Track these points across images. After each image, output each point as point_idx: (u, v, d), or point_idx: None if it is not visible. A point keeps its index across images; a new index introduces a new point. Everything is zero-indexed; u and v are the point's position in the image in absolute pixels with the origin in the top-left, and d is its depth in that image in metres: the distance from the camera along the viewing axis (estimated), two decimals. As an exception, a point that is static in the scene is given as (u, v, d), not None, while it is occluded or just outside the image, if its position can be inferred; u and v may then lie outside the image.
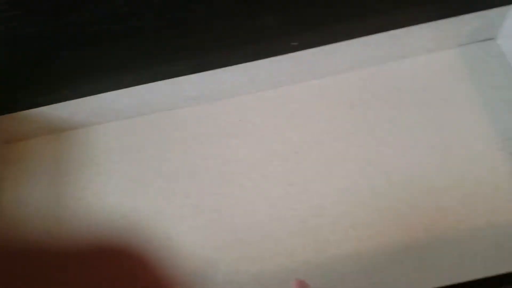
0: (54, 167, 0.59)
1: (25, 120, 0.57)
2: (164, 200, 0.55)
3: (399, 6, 0.50)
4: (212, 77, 0.55)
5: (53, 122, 0.59)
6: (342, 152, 0.54)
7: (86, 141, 0.60)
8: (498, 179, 0.50)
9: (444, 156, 0.52)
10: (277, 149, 0.56)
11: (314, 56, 0.56)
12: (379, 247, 0.49)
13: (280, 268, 0.49)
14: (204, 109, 0.60)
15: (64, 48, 0.45)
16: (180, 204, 0.54)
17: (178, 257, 0.51)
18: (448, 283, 0.45)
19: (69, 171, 0.58)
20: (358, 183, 0.52)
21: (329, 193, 0.52)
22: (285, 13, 0.46)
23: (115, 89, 0.51)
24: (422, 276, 0.46)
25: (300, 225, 0.51)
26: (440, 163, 0.52)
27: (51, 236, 0.54)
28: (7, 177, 0.59)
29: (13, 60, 0.46)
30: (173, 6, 0.43)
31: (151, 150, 0.58)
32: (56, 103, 0.52)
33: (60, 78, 0.49)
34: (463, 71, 0.57)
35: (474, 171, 0.51)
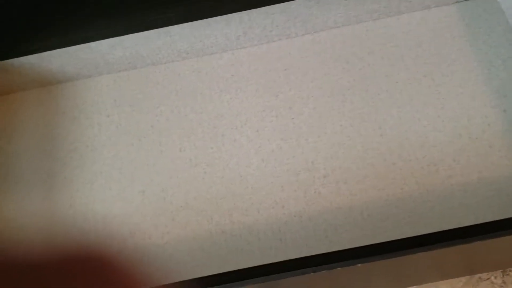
0: (45, 121, 0.58)
1: (14, 72, 0.56)
2: (158, 154, 0.55)
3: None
4: (204, 29, 0.54)
5: (43, 75, 0.58)
6: (336, 108, 0.54)
7: (77, 95, 0.59)
8: (491, 136, 0.50)
9: (438, 112, 0.52)
10: (271, 105, 0.56)
11: (309, 9, 0.55)
12: (370, 201, 0.49)
13: (272, 220, 0.49)
14: (197, 63, 0.59)
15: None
16: (173, 157, 0.54)
17: (172, 209, 0.51)
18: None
19: (60, 125, 0.57)
20: (351, 138, 0.52)
21: (322, 148, 0.52)
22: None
23: (104, 37, 0.50)
24: (412, 228, 0.47)
25: (292, 178, 0.51)
26: (434, 119, 0.52)
27: (44, 189, 0.54)
28: (-3, 129, 0.58)
29: None
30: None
31: (144, 104, 0.57)
32: (44, 51, 0.51)
33: (48, 23, 0.48)
34: (460, 28, 0.57)
35: (467, 128, 0.51)
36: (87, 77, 0.59)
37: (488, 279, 0.50)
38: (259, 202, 0.51)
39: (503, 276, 0.50)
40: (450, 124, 0.52)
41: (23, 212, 0.53)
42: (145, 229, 0.51)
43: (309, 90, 0.56)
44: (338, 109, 0.54)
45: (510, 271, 0.50)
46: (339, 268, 0.38)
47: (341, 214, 0.49)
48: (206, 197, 0.52)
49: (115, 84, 0.59)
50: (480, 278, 0.50)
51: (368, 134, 0.52)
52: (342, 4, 0.55)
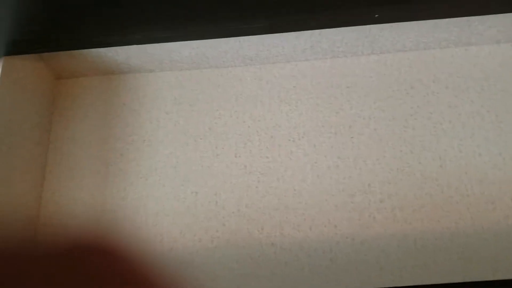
0: (104, 109, 0.58)
1: (79, 58, 0.57)
2: (213, 157, 0.55)
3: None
4: (275, 39, 0.54)
5: (107, 64, 0.58)
6: (398, 132, 0.54)
7: (139, 88, 0.59)
8: (552, 180, 0.50)
9: (500, 149, 0.52)
10: (330, 121, 0.56)
11: (380, 31, 0.55)
12: (424, 231, 0.49)
13: (323, 238, 0.50)
14: (260, 71, 0.59)
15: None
16: (228, 162, 0.54)
17: (223, 214, 0.52)
18: (491, 277, 0.46)
19: (120, 116, 0.58)
20: (410, 165, 0.52)
21: (380, 172, 0.52)
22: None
23: (183, 39, 0.51)
24: (465, 265, 0.47)
25: (347, 199, 0.51)
26: (495, 156, 0.52)
27: (99, 174, 0.55)
28: (56, 112, 0.59)
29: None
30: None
31: (203, 105, 0.58)
32: (121, 45, 0.51)
33: (128, 21, 0.48)
34: (528, 66, 0.56)
35: (529, 169, 0.50)
36: (149, 71, 0.60)
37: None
38: (311, 219, 0.51)
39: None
40: (511, 163, 0.51)
41: (74, 199, 0.54)
42: (195, 230, 0.51)
43: (371, 111, 0.55)
44: (400, 134, 0.54)
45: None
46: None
47: (394, 241, 0.49)
48: (258, 206, 0.52)
49: (176, 81, 0.59)
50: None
51: (428, 163, 0.52)
52: (414, 29, 0.54)
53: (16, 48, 0.51)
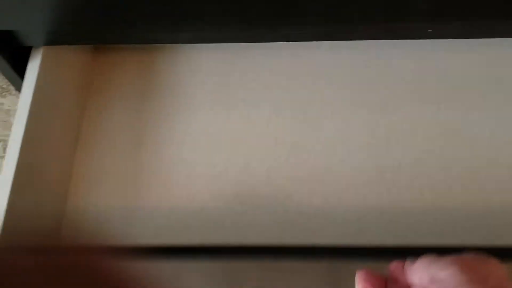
0: (141, 81, 0.59)
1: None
2: (245, 127, 0.56)
3: None
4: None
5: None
6: (431, 116, 0.55)
7: (175, 59, 0.60)
8: None
9: None
10: (364, 99, 0.56)
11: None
12: (452, 212, 0.49)
13: (351, 210, 0.50)
14: (296, 47, 0.60)
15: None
16: (260, 132, 0.55)
17: (253, 182, 0.53)
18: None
19: (156, 88, 0.59)
20: (442, 148, 0.53)
21: (411, 152, 0.53)
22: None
23: (228, 42, 0.50)
24: (494, 243, 0.47)
25: (377, 175, 0.52)
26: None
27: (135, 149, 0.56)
28: (94, 84, 0.59)
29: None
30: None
31: (238, 77, 0.59)
32: (165, 43, 0.50)
33: (179, 19, 0.46)
34: None
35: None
36: (185, 44, 0.61)
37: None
38: (340, 192, 0.51)
39: None
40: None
41: (104, 171, 0.55)
42: (225, 195, 0.52)
43: (404, 93, 0.56)
44: (432, 117, 0.54)
45: None
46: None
47: (422, 219, 0.49)
48: (288, 176, 0.53)
49: (211, 54, 0.60)
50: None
51: (458, 146, 0.53)
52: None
53: (58, 39, 0.50)
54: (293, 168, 0.53)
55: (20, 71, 0.50)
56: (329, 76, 0.58)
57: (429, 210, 0.50)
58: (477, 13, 0.45)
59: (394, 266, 0.35)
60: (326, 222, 0.50)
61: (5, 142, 0.66)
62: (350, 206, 0.50)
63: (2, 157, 0.66)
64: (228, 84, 0.58)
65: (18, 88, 0.51)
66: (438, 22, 0.47)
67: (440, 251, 0.33)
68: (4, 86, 0.69)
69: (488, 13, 0.45)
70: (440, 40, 0.58)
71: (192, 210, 0.51)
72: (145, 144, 0.56)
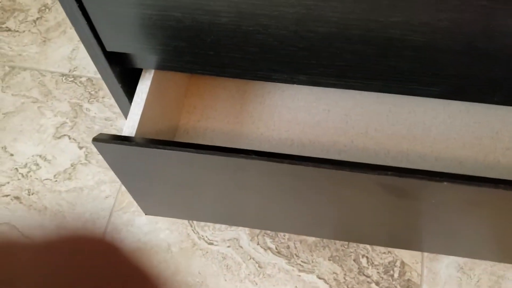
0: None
1: None
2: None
3: None
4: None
5: None
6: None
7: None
8: None
9: None
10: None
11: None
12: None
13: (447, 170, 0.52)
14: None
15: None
16: (362, 89, 0.57)
17: (352, 133, 0.55)
18: None
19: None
20: None
21: (509, 122, 0.54)
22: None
23: (340, 88, 0.45)
24: None
25: (474, 141, 0.53)
26: None
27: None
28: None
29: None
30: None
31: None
32: (278, 82, 0.45)
33: (299, 63, 0.42)
34: None
35: None
36: None
37: None
38: (438, 152, 0.53)
39: None
40: None
41: (211, 119, 0.58)
42: (324, 142, 0.55)
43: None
44: None
45: None
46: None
47: None
48: (387, 132, 0.55)
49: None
50: None
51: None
52: None
53: (173, 65, 0.46)
54: (393, 125, 0.55)
55: (126, 88, 0.49)
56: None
57: None
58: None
59: None
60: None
61: (87, 149, 0.68)
62: (446, 167, 0.52)
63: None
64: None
65: (121, 103, 0.52)
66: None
67: None
68: (92, 92, 0.73)
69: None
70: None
71: (291, 152, 0.54)
72: (250, 88, 0.58)
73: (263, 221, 0.58)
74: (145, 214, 0.61)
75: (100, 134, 0.43)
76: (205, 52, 0.42)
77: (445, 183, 0.39)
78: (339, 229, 0.56)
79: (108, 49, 0.43)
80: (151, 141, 0.43)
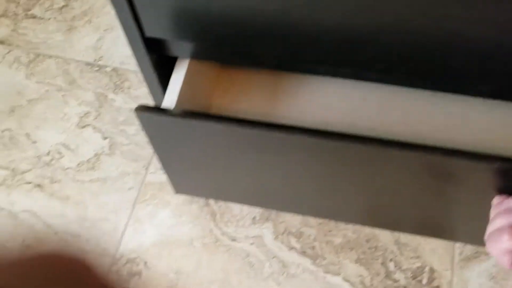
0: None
1: None
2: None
3: None
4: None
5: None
6: None
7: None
8: None
9: None
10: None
11: None
12: None
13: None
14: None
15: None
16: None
17: (390, 120, 0.54)
18: None
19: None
20: None
21: None
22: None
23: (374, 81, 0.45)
24: None
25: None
26: None
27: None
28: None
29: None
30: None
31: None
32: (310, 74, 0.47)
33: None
34: None
35: None
36: None
37: None
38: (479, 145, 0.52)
39: None
40: None
41: (244, 103, 0.56)
42: (361, 127, 0.53)
43: None
44: None
45: None
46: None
47: None
48: (425, 123, 0.53)
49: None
50: None
51: None
52: None
53: (210, 54, 0.46)
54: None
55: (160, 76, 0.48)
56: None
57: None
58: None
59: None
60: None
61: (111, 139, 0.67)
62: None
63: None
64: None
65: (154, 92, 0.51)
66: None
67: None
68: (118, 83, 0.72)
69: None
70: None
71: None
72: (282, 77, 0.57)
73: (295, 203, 0.57)
74: (176, 193, 0.60)
75: (141, 105, 0.44)
76: (248, 44, 0.41)
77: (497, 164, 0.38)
78: (372, 214, 0.55)
79: (148, 34, 0.42)
80: (193, 113, 0.43)
